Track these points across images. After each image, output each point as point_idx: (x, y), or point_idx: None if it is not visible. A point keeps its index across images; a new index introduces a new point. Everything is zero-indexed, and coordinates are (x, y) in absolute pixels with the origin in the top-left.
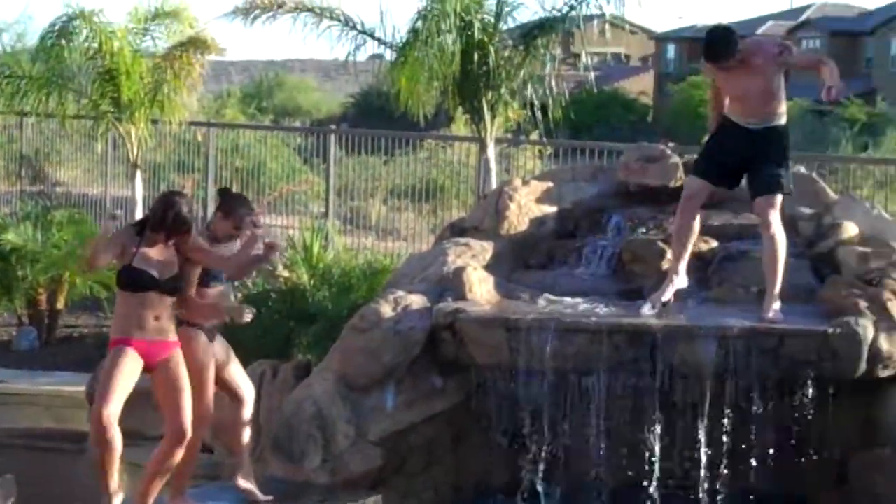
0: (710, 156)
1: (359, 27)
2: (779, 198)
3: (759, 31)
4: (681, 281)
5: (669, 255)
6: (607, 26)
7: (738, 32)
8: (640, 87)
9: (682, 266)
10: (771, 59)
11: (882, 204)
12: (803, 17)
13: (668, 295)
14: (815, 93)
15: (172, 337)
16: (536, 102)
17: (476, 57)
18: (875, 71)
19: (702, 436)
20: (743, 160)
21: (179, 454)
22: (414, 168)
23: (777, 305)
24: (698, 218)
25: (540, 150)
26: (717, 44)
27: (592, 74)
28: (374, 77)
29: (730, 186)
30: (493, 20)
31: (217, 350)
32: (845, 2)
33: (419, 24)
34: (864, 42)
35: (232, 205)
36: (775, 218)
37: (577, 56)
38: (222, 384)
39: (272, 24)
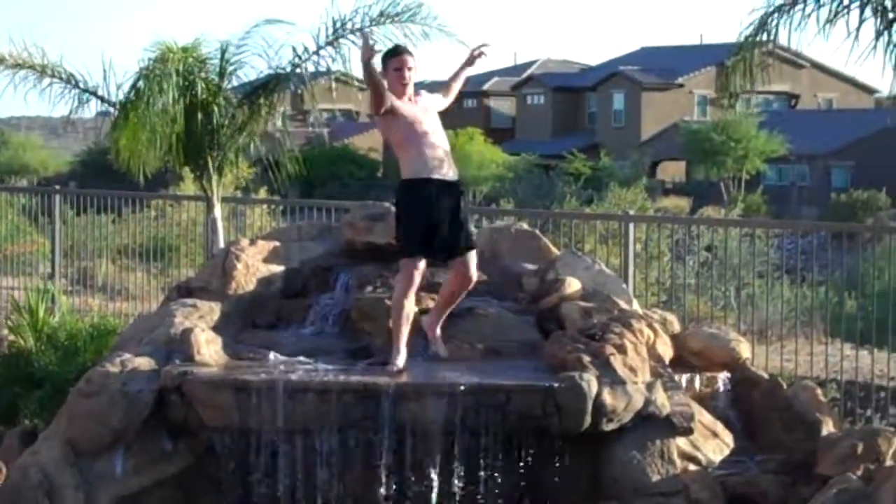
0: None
1: (81, 85)
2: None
3: (486, 86)
4: (402, 357)
5: None
6: (335, 83)
7: None
8: (369, 142)
9: (403, 344)
10: None
11: (604, 258)
12: (527, 73)
13: (398, 367)
14: (541, 148)
15: None
16: (264, 160)
17: (200, 116)
18: (598, 126)
19: (434, 493)
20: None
21: None
22: (143, 227)
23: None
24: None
25: (273, 208)
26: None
27: (325, 130)
28: (98, 135)
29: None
30: (216, 79)
31: None
32: (567, 58)
33: (141, 83)
34: (587, 97)
35: None
36: None
37: (306, 113)
38: None
39: None
